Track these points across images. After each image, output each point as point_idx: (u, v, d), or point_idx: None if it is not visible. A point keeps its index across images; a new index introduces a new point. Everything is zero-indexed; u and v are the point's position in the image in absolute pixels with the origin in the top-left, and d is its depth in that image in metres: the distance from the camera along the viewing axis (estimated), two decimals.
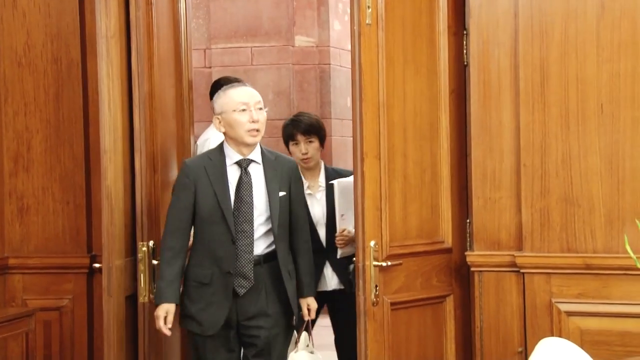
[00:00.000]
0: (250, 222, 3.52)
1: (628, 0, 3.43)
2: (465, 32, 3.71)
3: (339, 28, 7.14)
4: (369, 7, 3.45)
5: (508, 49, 3.60)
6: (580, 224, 3.48)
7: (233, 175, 3.57)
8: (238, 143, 3.58)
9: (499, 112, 3.62)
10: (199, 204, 3.53)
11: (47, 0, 4.12)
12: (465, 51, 3.71)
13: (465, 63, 3.71)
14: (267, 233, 3.57)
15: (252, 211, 3.53)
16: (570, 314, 3.48)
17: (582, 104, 3.48)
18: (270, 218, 3.55)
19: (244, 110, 3.53)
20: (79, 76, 4.12)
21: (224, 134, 3.60)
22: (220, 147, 3.64)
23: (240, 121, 3.53)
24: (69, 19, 4.13)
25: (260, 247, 3.56)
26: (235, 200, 3.53)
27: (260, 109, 3.57)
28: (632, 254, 2.78)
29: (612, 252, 3.42)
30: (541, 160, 3.53)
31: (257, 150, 3.62)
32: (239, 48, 6.85)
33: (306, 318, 3.66)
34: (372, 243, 3.44)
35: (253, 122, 3.53)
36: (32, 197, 4.14)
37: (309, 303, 3.66)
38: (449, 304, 3.71)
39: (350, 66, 3.53)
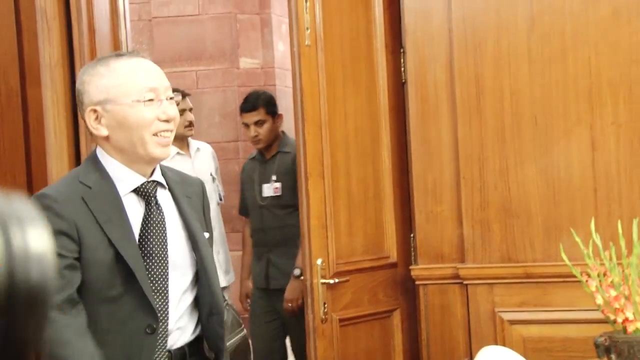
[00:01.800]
0: (165, 291, 2.10)
1: (556, 13, 3.50)
2: (402, 50, 3.76)
3: (283, 49, 7.17)
4: (307, 28, 3.50)
5: (444, 65, 3.66)
6: (519, 234, 3.54)
7: (133, 212, 2.13)
8: (134, 158, 2.13)
9: (437, 127, 3.68)
10: (86, 264, 2.04)
11: None
12: (402, 68, 3.77)
13: (404, 80, 3.77)
14: (191, 305, 2.20)
15: (167, 272, 2.11)
16: (512, 322, 3.53)
17: (516, 117, 3.55)
18: (198, 279, 2.18)
19: (150, 100, 2.10)
20: (19, 106, 4.10)
21: (104, 140, 2.15)
22: (94, 164, 2.14)
23: (145, 119, 2.08)
24: (7, 48, 4.10)
25: (188, 331, 2.18)
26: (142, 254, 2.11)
27: (172, 98, 2.16)
28: (568, 262, 2.85)
29: (550, 260, 3.48)
30: (480, 173, 3.59)
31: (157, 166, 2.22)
32: (184, 72, 6.85)
33: None
34: (319, 261, 3.47)
35: (166, 120, 2.11)
36: None
37: None
38: (396, 318, 3.75)
39: None
